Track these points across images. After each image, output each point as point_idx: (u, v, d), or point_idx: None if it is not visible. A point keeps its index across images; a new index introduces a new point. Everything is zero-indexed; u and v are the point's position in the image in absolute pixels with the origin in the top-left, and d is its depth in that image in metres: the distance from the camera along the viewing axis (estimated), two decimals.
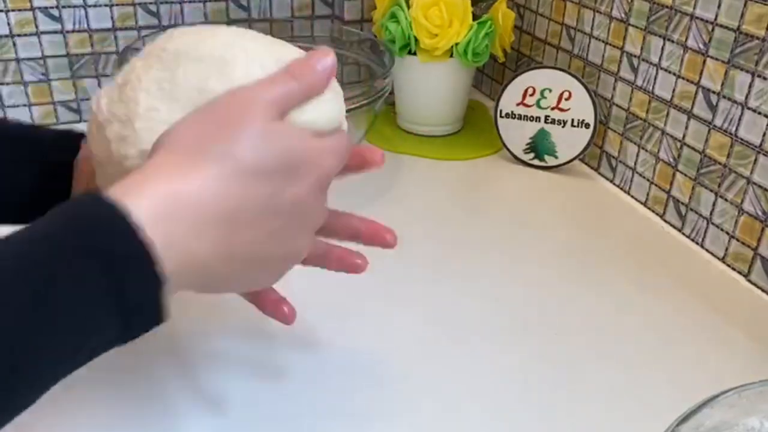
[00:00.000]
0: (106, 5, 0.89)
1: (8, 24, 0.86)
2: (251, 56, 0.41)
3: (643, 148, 0.78)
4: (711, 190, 0.69)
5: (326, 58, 0.42)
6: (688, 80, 0.70)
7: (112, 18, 0.90)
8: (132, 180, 0.35)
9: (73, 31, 0.89)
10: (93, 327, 0.33)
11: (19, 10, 0.86)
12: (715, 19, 0.66)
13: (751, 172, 0.65)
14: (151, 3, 0.91)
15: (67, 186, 0.49)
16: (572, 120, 0.83)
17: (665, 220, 0.76)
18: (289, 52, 0.43)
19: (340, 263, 0.50)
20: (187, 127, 0.38)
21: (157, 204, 0.34)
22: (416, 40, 0.87)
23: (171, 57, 0.41)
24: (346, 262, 0.50)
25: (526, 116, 0.86)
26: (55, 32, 0.89)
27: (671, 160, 0.74)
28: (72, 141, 0.49)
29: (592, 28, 0.83)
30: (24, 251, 0.32)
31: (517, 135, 0.87)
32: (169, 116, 0.39)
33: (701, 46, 0.68)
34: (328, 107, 0.43)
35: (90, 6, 0.89)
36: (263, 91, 0.39)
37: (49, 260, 0.32)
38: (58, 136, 0.50)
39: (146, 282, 0.33)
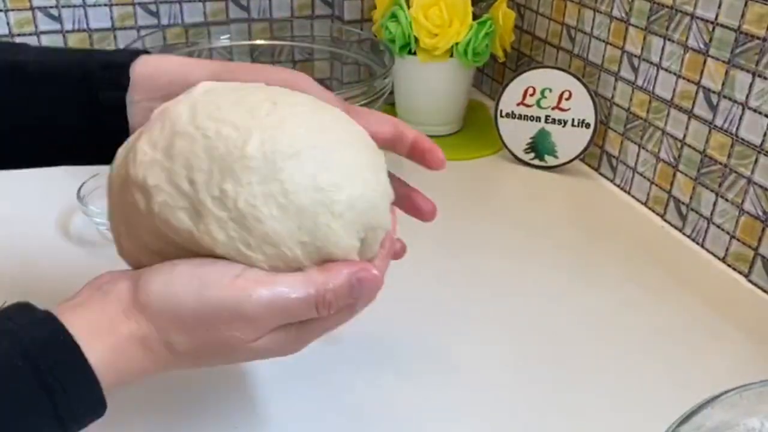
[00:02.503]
0: (105, 5, 0.89)
1: (8, 24, 0.86)
2: (332, 137, 0.40)
3: (643, 148, 0.78)
4: (711, 190, 0.69)
5: (368, 285, 0.39)
6: (688, 80, 0.70)
7: (111, 18, 0.90)
8: (100, 326, 0.37)
9: (73, 30, 0.89)
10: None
11: (19, 9, 0.86)
12: (716, 18, 0.66)
13: (752, 172, 0.64)
14: (150, 3, 0.91)
15: (122, 122, 0.46)
16: (572, 120, 0.83)
17: (666, 220, 0.76)
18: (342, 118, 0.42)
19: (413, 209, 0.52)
20: (185, 323, 0.37)
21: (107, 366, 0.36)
22: (416, 39, 0.86)
23: (262, 163, 0.37)
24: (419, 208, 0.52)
25: (527, 116, 0.86)
26: (55, 32, 0.89)
27: (672, 160, 0.74)
28: (123, 72, 0.45)
29: (592, 28, 0.83)
30: None
31: (517, 135, 0.87)
32: (299, 232, 0.37)
33: (702, 45, 0.68)
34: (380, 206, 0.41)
35: (89, 6, 0.89)
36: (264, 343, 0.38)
37: None
38: (107, 66, 0.46)
39: (89, 409, 0.36)
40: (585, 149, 0.84)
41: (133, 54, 0.47)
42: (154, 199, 0.38)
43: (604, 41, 0.81)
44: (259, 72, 0.45)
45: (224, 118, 0.38)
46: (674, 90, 0.72)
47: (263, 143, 0.37)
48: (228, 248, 0.37)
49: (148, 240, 0.40)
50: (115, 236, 0.42)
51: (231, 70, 0.45)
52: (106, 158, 0.45)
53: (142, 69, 0.46)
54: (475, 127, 0.97)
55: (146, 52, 0.48)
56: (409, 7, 0.86)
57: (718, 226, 0.69)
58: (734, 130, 0.66)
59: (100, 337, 0.36)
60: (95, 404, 0.36)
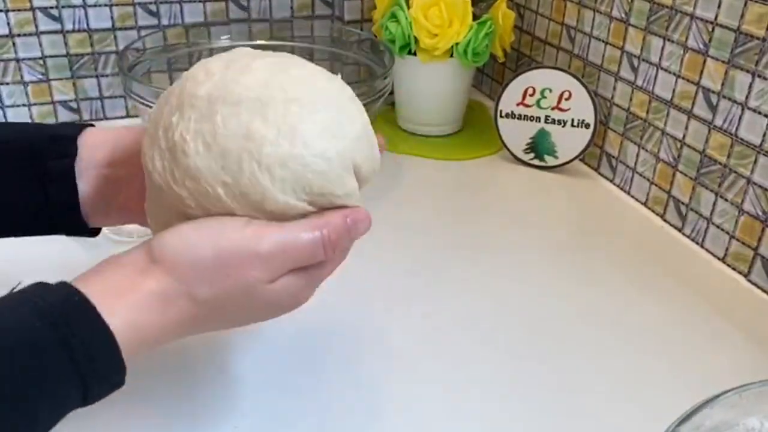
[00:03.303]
0: (105, 5, 0.89)
1: (8, 24, 0.86)
2: (289, 95, 0.40)
3: (643, 148, 0.78)
4: (711, 190, 0.69)
5: (362, 225, 0.42)
6: (688, 80, 0.70)
7: (111, 18, 0.90)
8: (118, 287, 0.37)
9: (73, 31, 0.89)
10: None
11: (19, 10, 0.86)
12: (715, 19, 0.66)
13: (752, 172, 0.65)
14: (151, 3, 0.91)
15: (69, 193, 0.47)
16: (572, 120, 0.83)
17: (665, 220, 0.76)
18: (327, 81, 0.43)
19: None
20: (195, 259, 0.38)
21: (126, 326, 0.36)
22: (416, 40, 0.87)
23: (205, 104, 0.40)
24: None
25: (526, 116, 0.86)
26: (55, 32, 0.89)
27: (671, 160, 0.74)
28: (71, 143, 0.47)
29: (592, 28, 0.83)
30: None
31: (517, 135, 0.87)
32: (222, 172, 0.39)
33: (701, 46, 0.68)
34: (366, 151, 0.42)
35: (90, 6, 0.89)
36: (269, 264, 0.39)
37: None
38: (54, 138, 0.47)
39: (110, 371, 0.36)
40: (585, 149, 0.84)
41: (79, 126, 0.48)
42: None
43: (603, 41, 0.81)
44: None
45: (205, 66, 0.42)
46: (674, 90, 0.72)
47: (215, 87, 0.40)
48: (161, 179, 0.40)
49: (160, 212, 0.42)
50: (150, 223, 0.44)
51: None
52: (58, 228, 0.48)
53: (88, 139, 0.47)
54: (475, 127, 0.97)
55: (91, 125, 0.50)
56: (409, 8, 0.86)
57: (718, 226, 0.69)
58: (734, 130, 0.66)
59: (118, 297, 0.36)
60: (115, 362, 0.36)
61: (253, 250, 0.38)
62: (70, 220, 0.48)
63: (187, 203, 0.39)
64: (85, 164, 0.47)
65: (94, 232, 0.50)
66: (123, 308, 0.36)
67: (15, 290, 0.37)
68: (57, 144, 0.47)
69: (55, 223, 0.48)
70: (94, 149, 0.47)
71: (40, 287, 0.36)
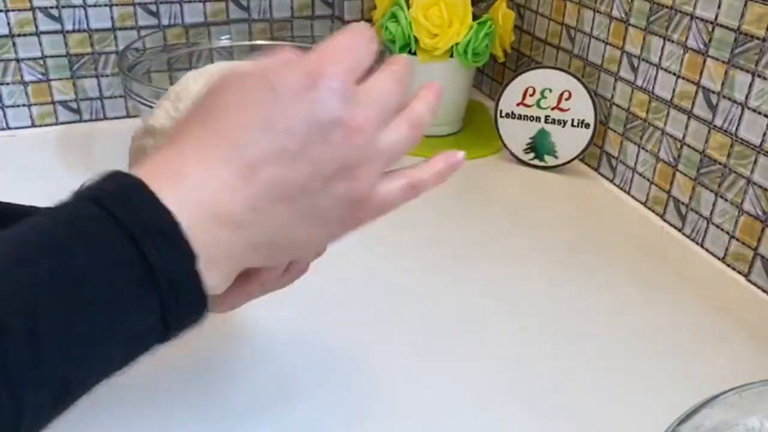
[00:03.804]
0: (106, 5, 0.89)
1: (8, 24, 0.86)
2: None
3: (643, 148, 0.78)
4: (711, 190, 0.69)
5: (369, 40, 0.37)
6: (688, 80, 0.70)
7: (112, 18, 0.90)
8: (165, 167, 0.33)
9: (73, 31, 0.89)
10: (124, 302, 0.30)
11: (19, 10, 0.86)
12: (715, 19, 0.66)
13: (752, 172, 0.65)
14: (151, 3, 0.91)
15: None
16: (572, 120, 0.83)
17: (665, 220, 0.76)
18: None
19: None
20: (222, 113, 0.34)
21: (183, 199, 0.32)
22: (416, 40, 0.87)
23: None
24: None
25: (526, 116, 0.86)
26: (55, 32, 0.89)
27: (671, 160, 0.74)
28: None
29: (592, 28, 0.83)
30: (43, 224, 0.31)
31: (517, 135, 0.87)
32: None
33: (701, 46, 0.68)
34: None
35: (90, 6, 0.89)
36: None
37: (69, 227, 0.31)
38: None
39: (177, 255, 0.31)
40: (585, 149, 0.84)
41: None
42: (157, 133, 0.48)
43: (603, 41, 0.81)
44: None
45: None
46: (674, 90, 0.72)
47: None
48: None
49: None
50: None
51: None
52: None
53: None
54: (475, 127, 0.97)
55: None
56: (408, 8, 0.86)
57: (718, 226, 0.69)
58: (734, 130, 0.66)
59: (169, 175, 0.33)
60: (184, 251, 0.31)
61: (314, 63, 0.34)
62: None
63: None
64: None
65: None
66: (178, 185, 0.32)
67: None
68: None
69: None
70: None
71: (89, 181, 0.33)
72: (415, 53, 0.88)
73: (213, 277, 0.33)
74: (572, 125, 0.83)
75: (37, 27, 0.88)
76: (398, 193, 0.39)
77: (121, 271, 0.30)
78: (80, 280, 0.30)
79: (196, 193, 0.33)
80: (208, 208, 0.33)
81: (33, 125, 0.93)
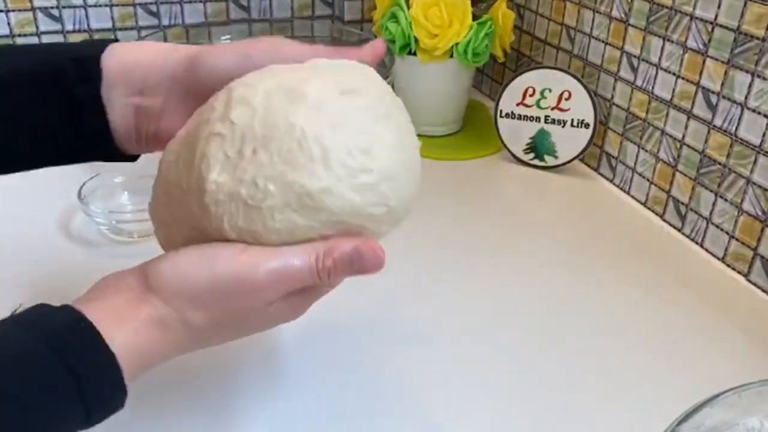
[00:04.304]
0: (106, 5, 0.89)
1: (8, 24, 0.86)
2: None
3: (642, 148, 0.78)
4: (711, 190, 0.69)
5: (369, 260, 0.40)
6: (687, 80, 0.70)
7: (112, 18, 0.90)
8: (118, 312, 0.38)
9: (73, 31, 0.89)
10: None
11: (19, 10, 0.86)
12: (715, 19, 0.66)
13: (751, 172, 0.65)
14: (151, 3, 0.91)
15: (102, 118, 0.44)
16: (572, 120, 0.83)
17: (665, 220, 0.76)
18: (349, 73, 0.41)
19: None
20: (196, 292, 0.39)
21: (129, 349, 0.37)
22: (416, 40, 0.87)
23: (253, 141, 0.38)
24: None
25: (526, 116, 0.86)
26: (55, 32, 0.89)
27: (671, 160, 0.74)
28: (93, 65, 0.44)
29: (592, 28, 0.83)
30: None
31: (517, 135, 0.87)
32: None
33: (701, 46, 0.68)
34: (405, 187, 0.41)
35: (90, 6, 0.89)
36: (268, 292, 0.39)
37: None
38: (76, 60, 0.44)
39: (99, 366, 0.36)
40: (584, 149, 0.84)
41: (101, 45, 0.45)
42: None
43: (603, 41, 0.81)
44: (249, 48, 0.44)
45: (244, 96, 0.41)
46: (673, 90, 0.72)
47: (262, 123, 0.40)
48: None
49: (186, 224, 0.41)
50: (157, 225, 0.44)
51: (209, 51, 0.44)
52: (93, 155, 0.46)
53: (113, 62, 0.44)
54: (475, 127, 0.97)
55: (116, 40, 0.47)
56: (408, 8, 0.86)
57: (718, 226, 0.69)
58: (733, 130, 0.66)
59: (119, 323, 0.37)
60: (117, 387, 0.36)
61: (247, 282, 0.38)
62: (104, 147, 0.46)
63: (224, 227, 0.39)
64: (113, 93, 0.44)
65: (131, 158, 0.48)
66: (123, 333, 0.37)
67: (17, 312, 0.37)
68: (80, 67, 0.44)
69: (88, 150, 0.46)
70: (121, 75, 0.44)
71: (45, 311, 0.37)
72: (415, 53, 0.88)
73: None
74: (572, 125, 0.83)
75: (37, 27, 0.88)
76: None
77: (61, 409, 0.35)
78: (22, 410, 0.33)
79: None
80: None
81: None
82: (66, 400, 0.34)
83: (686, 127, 0.71)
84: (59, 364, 0.34)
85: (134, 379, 0.38)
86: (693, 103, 0.70)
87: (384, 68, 0.82)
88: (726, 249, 0.68)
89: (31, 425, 0.34)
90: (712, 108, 0.68)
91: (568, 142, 0.84)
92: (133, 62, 0.44)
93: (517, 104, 0.86)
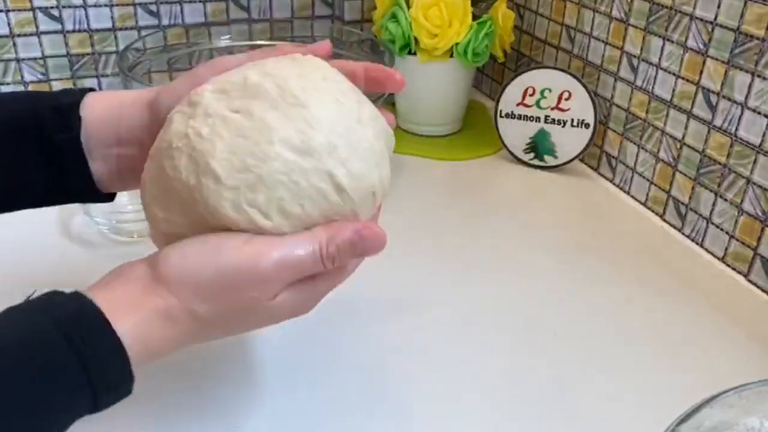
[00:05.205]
0: (106, 5, 0.89)
1: (8, 24, 0.86)
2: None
3: (642, 148, 0.78)
4: (711, 190, 0.69)
5: (370, 242, 0.41)
6: (687, 80, 0.70)
7: (112, 18, 0.90)
8: (126, 302, 0.38)
9: (73, 31, 0.90)
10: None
11: (19, 10, 0.86)
12: (715, 19, 0.66)
13: (751, 172, 0.65)
14: (151, 3, 0.91)
15: (81, 165, 0.47)
16: (572, 120, 0.83)
17: (665, 220, 0.76)
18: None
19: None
20: (200, 283, 0.39)
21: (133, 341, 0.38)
22: (416, 40, 0.87)
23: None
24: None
25: (526, 116, 0.86)
26: (55, 32, 0.89)
27: (671, 160, 0.74)
28: (72, 113, 0.46)
29: (592, 28, 0.83)
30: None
31: (517, 135, 0.87)
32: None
33: (701, 46, 0.68)
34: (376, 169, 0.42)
35: (90, 6, 0.89)
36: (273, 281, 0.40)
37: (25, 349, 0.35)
38: (57, 110, 0.46)
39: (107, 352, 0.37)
40: (584, 149, 0.84)
41: (80, 94, 0.47)
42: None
43: (603, 41, 0.81)
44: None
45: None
46: (673, 90, 0.72)
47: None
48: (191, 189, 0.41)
49: (180, 220, 0.41)
50: (150, 219, 0.44)
51: (163, 92, 0.46)
52: (75, 199, 0.49)
53: (89, 112, 0.46)
54: (475, 127, 0.97)
55: (91, 89, 0.49)
56: (409, 8, 0.86)
57: (717, 226, 0.69)
58: (733, 130, 0.66)
59: (126, 312, 0.38)
60: (125, 374, 0.37)
61: (252, 272, 0.39)
62: (87, 191, 0.48)
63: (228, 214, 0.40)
64: (93, 143, 0.46)
65: (112, 197, 0.51)
66: (131, 323, 0.37)
67: (31, 298, 0.38)
68: (60, 115, 0.46)
69: (70, 194, 0.48)
70: (99, 125, 0.46)
71: (56, 297, 0.37)
72: (415, 53, 0.88)
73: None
74: (572, 125, 0.83)
75: (37, 27, 0.88)
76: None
77: (68, 392, 0.35)
78: (30, 393, 0.34)
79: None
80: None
81: None
82: (73, 383, 0.35)
83: (686, 127, 0.71)
84: (67, 347, 0.35)
85: (140, 366, 0.38)
86: (693, 103, 0.70)
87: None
88: (726, 249, 0.68)
89: (39, 407, 0.34)
90: (712, 108, 0.68)
91: (568, 142, 0.84)
92: (107, 117, 0.47)
93: (517, 104, 0.86)
